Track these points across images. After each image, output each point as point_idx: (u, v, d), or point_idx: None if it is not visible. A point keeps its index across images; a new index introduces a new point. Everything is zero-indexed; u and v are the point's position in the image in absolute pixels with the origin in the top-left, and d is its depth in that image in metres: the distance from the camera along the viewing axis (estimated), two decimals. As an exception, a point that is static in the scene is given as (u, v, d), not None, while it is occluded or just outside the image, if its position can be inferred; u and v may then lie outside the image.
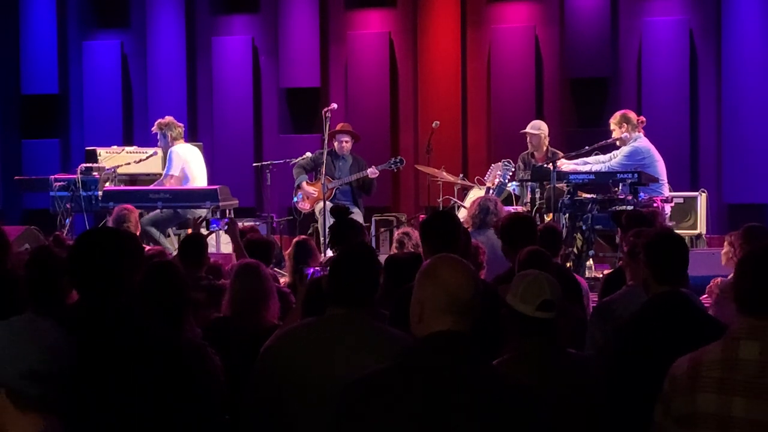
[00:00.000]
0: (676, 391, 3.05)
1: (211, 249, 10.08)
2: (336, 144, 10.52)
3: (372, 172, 10.63)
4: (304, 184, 10.92)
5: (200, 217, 10.01)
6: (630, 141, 9.73)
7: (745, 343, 2.98)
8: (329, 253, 9.02)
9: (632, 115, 9.90)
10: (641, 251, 4.15)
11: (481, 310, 2.75)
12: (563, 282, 5.56)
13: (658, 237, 4.14)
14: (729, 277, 6.03)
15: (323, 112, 9.98)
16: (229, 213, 10.36)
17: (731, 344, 3.01)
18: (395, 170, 11.02)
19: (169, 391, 3.31)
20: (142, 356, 3.25)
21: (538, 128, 10.43)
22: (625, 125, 9.75)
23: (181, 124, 10.49)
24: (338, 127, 10.20)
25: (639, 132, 9.78)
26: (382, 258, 7.27)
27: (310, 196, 10.85)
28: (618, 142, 9.85)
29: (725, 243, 6.73)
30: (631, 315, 4.16)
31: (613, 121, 9.85)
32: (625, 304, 4.83)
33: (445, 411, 2.58)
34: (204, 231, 9.40)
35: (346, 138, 10.69)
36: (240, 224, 9.18)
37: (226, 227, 7.94)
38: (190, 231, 9.79)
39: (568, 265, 8.28)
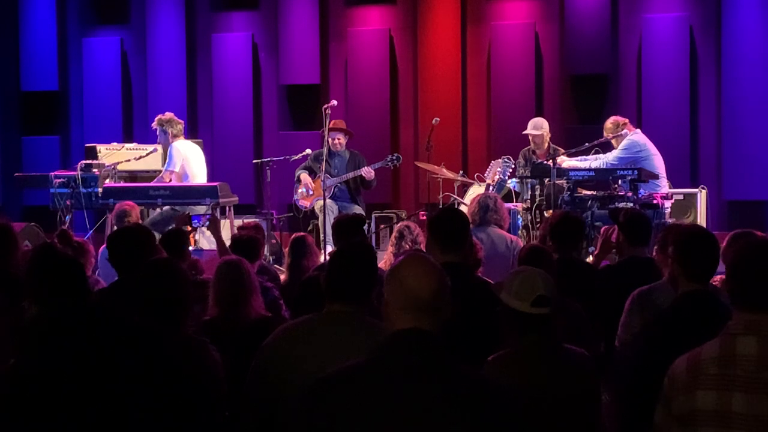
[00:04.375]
0: (675, 389, 3.04)
1: (212, 245, 10.11)
2: (330, 141, 10.52)
3: (367, 172, 10.61)
4: (303, 175, 10.90)
5: (184, 213, 10.02)
6: (626, 137, 9.82)
7: (741, 339, 2.97)
8: (330, 250, 9.04)
9: (619, 118, 10.07)
10: (671, 247, 4.14)
11: (450, 308, 2.76)
12: (578, 273, 5.61)
13: (690, 234, 4.13)
14: None
15: (323, 109, 9.98)
16: (229, 209, 10.36)
17: (728, 340, 3.00)
18: (392, 167, 11.01)
19: (161, 388, 3.32)
20: (123, 355, 3.27)
21: (541, 127, 10.45)
22: (616, 128, 9.90)
23: (181, 121, 10.46)
24: (331, 124, 10.19)
25: (632, 129, 9.89)
26: (382, 255, 7.33)
27: (308, 188, 10.83)
28: (614, 141, 9.93)
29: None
30: (659, 313, 4.15)
31: (606, 133, 10.00)
32: (665, 294, 4.87)
33: (405, 407, 2.60)
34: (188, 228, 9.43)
35: (339, 135, 10.68)
36: (241, 221, 9.20)
37: (207, 223, 7.91)
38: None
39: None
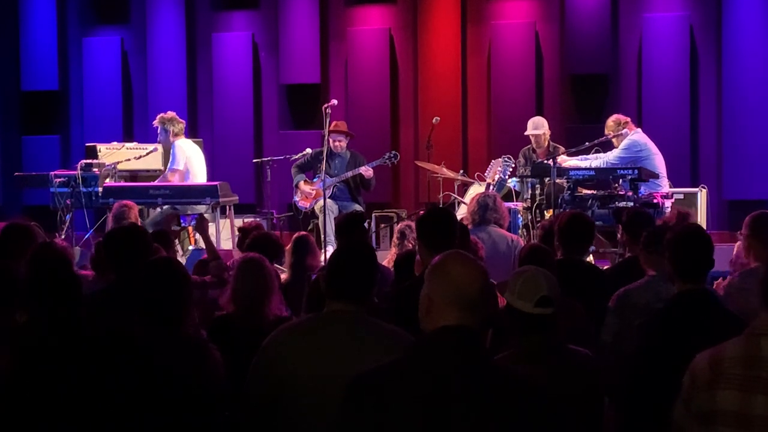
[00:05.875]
0: (696, 387, 3.00)
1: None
2: (331, 143, 10.53)
3: (366, 171, 10.61)
4: (301, 183, 10.92)
5: (172, 213, 10.04)
6: (627, 136, 9.82)
7: (765, 340, 2.93)
8: (330, 249, 9.04)
9: (621, 116, 10.04)
10: (665, 247, 4.13)
11: (489, 306, 2.80)
12: (580, 274, 5.62)
13: (683, 234, 4.13)
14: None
15: (323, 108, 9.97)
16: (229, 209, 10.36)
17: (752, 341, 2.96)
18: (390, 165, 11.00)
19: (158, 390, 3.32)
20: (109, 361, 3.28)
21: (541, 126, 10.46)
22: (618, 126, 9.88)
23: (182, 121, 10.48)
24: (332, 126, 10.19)
25: (633, 128, 9.88)
26: (382, 254, 7.33)
27: (308, 195, 10.86)
28: (615, 140, 9.92)
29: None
30: (655, 312, 4.15)
31: (607, 131, 9.97)
32: (642, 293, 4.90)
33: (450, 404, 2.61)
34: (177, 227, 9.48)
35: (340, 138, 10.67)
36: (241, 221, 9.20)
37: (193, 223, 7.89)
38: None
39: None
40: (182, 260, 9.08)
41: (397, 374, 2.70)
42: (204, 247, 9.84)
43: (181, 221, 10.35)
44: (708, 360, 3.02)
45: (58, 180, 10.26)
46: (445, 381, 2.63)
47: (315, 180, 10.82)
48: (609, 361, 4.64)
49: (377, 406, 2.66)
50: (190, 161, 10.30)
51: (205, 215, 9.24)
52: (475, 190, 10.16)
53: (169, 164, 10.38)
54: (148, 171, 11.13)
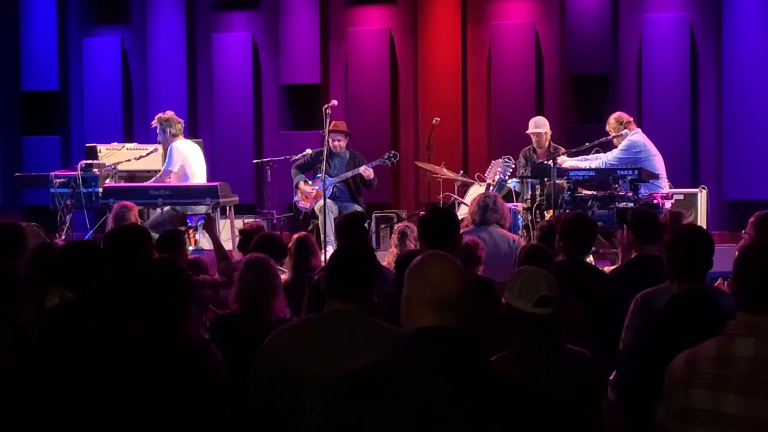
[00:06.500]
0: (674, 386, 3.03)
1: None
2: (330, 142, 10.53)
3: (365, 171, 10.61)
4: (301, 184, 10.92)
5: (180, 213, 10.05)
6: (626, 137, 9.82)
7: (739, 339, 2.95)
8: (330, 249, 9.04)
9: (623, 115, 10.01)
10: (664, 248, 4.14)
11: (471, 306, 2.77)
12: (581, 275, 5.61)
13: (682, 235, 4.13)
14: None
15: (323, 108, 9.97)
16: (229, 209, 10.37)
17: (726, 340, 2.98)
18: (389, 165, 11.00)
19: (158, 390, 3.32)
20: (109, 361, 3.29)
21: (542, 125, 10.47)
22: (619, 125, 9.86)
23: (181, 120, 10.47)
24: (331, 126, 10.19)
25: (634, 128, 9.87)
26: (382, 255, 7.33)
27: (308, 195, 10.86)
28: (615, 141, 9.91)
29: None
30: (654, 312, 4.15)
31: (608, 128, 9.95)
32: (664, 297, 4.86)
33: (431, 404, 2.60)
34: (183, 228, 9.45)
35: (339, 137, 10.68)
36: (241, 222, 9.20)
37: (200, 223, 7.88)
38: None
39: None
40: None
41: (380, 373, 2.69)
42: (203, 247, 9.89)
43: (188, 221, 10.36)
44: (684, 359, 3.05)
45: (59, 180, 10.26)
46: (428, 380, 2.62)
47: (315, 179, 10.83)
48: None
49: (360, 405, 2.65)
50: (188, 162, 10.29)
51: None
52: (475, 190, 10.16)
53: (164, 165, 10.38)
54: (148, 171, 11.13)
